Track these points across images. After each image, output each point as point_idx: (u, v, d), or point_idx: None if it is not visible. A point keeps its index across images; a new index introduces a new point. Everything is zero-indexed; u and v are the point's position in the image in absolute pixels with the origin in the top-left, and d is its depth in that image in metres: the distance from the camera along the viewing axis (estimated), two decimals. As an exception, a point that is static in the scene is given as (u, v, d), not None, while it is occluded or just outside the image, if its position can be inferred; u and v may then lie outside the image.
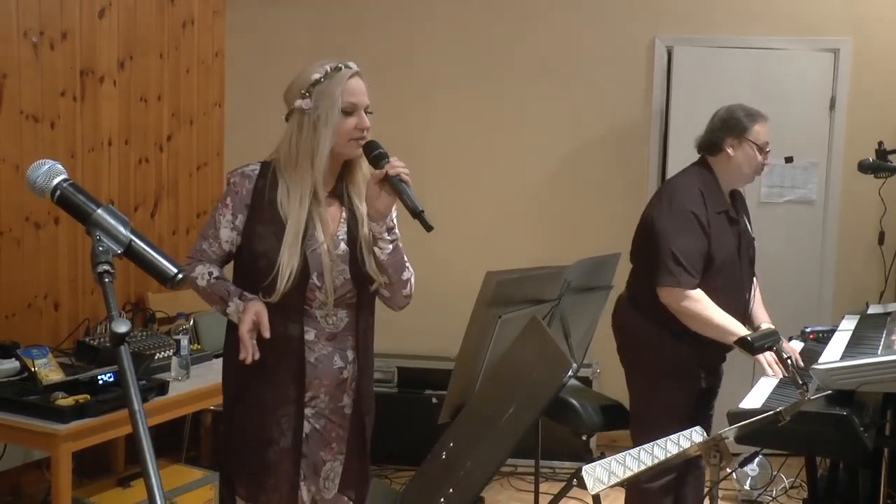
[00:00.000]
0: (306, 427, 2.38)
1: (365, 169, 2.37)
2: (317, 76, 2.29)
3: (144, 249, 1.42)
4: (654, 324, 3.15)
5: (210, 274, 2.39)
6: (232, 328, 2.39)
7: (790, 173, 4.89)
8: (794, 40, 4.92)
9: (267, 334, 2.27)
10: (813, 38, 4.92)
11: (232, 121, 5.32)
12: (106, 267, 1.35)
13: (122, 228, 1.40)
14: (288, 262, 2.26)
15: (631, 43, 5.06)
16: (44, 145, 4.11)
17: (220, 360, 3.67)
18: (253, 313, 2.26)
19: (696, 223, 3.09)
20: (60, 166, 1.47)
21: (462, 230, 5.09)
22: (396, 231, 2.37)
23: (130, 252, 1.41)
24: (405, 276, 2.39)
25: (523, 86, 5.13)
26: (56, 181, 1.44)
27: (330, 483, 2.45)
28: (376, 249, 2.33)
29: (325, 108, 2.27)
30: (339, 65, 2.31)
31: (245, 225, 2.34)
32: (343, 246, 2.36)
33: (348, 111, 2.29)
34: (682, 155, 4.82)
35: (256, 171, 2.35)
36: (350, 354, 2.40)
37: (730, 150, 3.19)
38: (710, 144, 3.23)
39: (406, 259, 2.40)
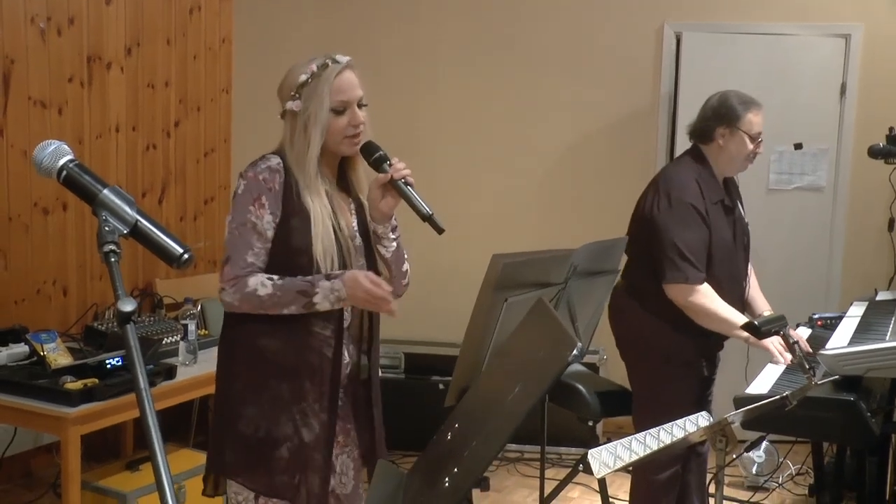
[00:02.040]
0: (321, 420, 2.27)
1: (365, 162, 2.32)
2: (304, 77, 2.21)
3: (150, 230, 1.41)
4: (655, 315, 3.13)
5: (269, 279, 2.19)
6: (232, 328, 2.29)
7: (799, 160, 4.86)
8: (804, 26, 4.88)
9: (389, 287, 2.21)
10: (824, 24, 4.88)
11: (239, 107, 5.32)
12: (112, 247, 1.35)
13: (128, 209, 1.40)
14: (324, 253, 2.20)
15: (640, 29, 5.04)
16: (51, 131, 4.11)
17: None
18: (365, 278, 2.17)
19: (696, 215, 3.05)
20: (67, 147, 1.46)
21: (469, 216, 5.08)
22: (398, 227, 2.36)
23: (136, 232, 1.40)
24: (404, 268, 2.40)
25: (532, 72, 5.11)
26: (62, 161, 1.44)
27: (346, 478, 2.38)
28: (380, 248, 2.33)
29: (314, 109, 2.20)
30: (327, 61, 2.22)
31: (280, 220, 2.21)
32: (359, 238, 2.33)
33: (339, 109, 2.22)
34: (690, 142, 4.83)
35: (281, 164, 2.23)
36: (360, 345, 2.34)
37: (721, 141, 3.11)
38: (702, 133, 3.16)
39: (404, 252, 2.39)
